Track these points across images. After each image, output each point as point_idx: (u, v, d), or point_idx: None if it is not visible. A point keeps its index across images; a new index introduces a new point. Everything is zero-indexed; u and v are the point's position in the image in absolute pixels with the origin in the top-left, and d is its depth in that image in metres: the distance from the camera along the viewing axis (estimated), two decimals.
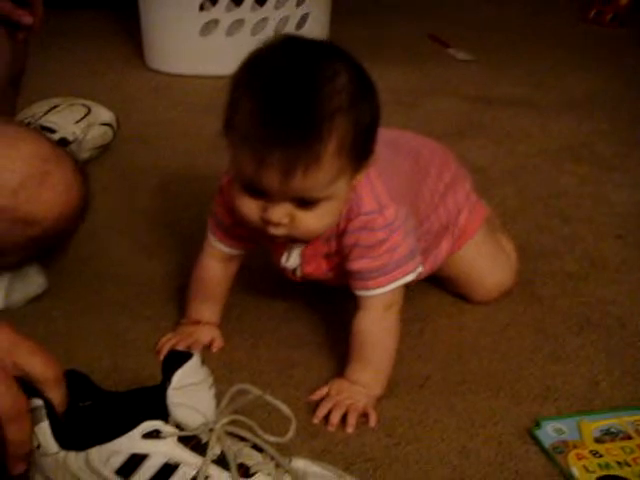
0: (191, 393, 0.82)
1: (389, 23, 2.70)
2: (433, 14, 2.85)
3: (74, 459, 0.82)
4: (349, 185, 0.97)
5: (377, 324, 1.03)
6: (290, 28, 2.17)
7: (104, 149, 1.66)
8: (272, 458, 0.84)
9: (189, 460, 0.81)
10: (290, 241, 1.03)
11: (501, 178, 1.66)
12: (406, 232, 1.02)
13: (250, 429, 0.85)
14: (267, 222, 0.96)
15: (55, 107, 1.61)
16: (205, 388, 0.83)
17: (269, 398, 0.86)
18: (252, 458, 0.83)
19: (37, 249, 1.16)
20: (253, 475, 0.82)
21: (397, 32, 2.62)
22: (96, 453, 0.81)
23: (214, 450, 0.82)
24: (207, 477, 0.81)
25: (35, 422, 0.82)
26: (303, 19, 2.21)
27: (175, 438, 0.81)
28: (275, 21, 2.15)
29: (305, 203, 0.94)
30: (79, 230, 1.19)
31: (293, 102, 0.90)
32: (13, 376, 0.81)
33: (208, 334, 1.13)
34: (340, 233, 1.02)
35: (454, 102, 2.05)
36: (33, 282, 1.22)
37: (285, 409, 0.86)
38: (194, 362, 0.83)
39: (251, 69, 0.93)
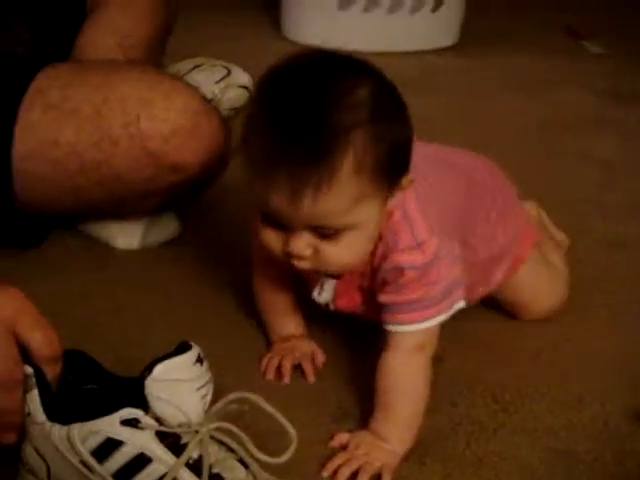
0: (174, 389, 0.78)
1: (526, 11, 2.68)
2: (573, 4, 2.81)
3: (57, 432, 0.80)
4: (379, 211, 0.87)
5: (406, 367, 0.92)
6: (425, 11, 2.19)
7: (238, 111, 1.71)
8: (254, 477, 0.80)
9: (162, 457, 0.78)
10: (323, 275, 0.95)
11: (624, 171, 1.65)
12: (449, 264, 0.92)
13: (240, 441, 0.81)
14: (289, 255, 0.87)
15: (198, 66, 1.68)
16: (191, 387, 0.79)
17: (271, 410, 0.81)
18: (233, 472, 0.80)
19: (177, 195, 1.23)
20: None
21: (532, 21, 2.58)
22: (77, 430, 0.79)
23: (192, 453, 0.78)
24: (176, 479, 0.78)
25: (26, 390, 0.81)
26: (439, 2, 2.22)
27: (153, 432, 0.78)
28: (411, 1, 2.18)
29: (326, 233, 0.85)
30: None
31: (303, 116, 0.81)
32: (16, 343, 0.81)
33: (309, 347, 1.05)
34: (375, 270, 0.93)
35: (581, 94, 2.02)
36: (168, 227, 1.29)
37: (288, 426, 0.81)
38: (184, 358, 0.79)
39: (268, 82, 0.86)
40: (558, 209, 1.30)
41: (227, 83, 1.66)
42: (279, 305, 1.06)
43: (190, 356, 0.79)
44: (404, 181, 0.88)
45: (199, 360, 0.80)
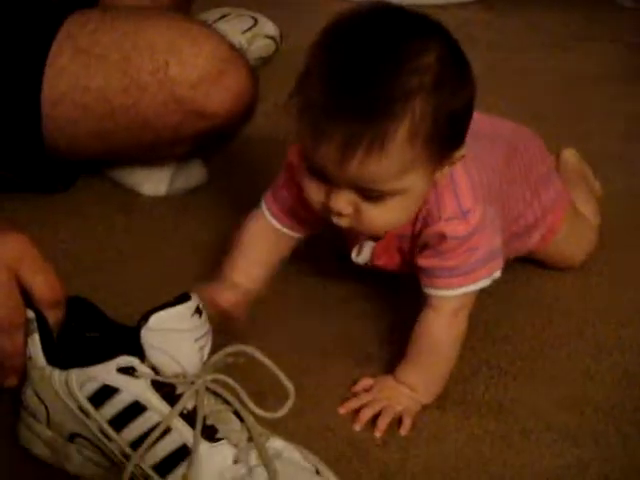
0: (170, 339, 0.78)
1: None
2: None
3: (57, 377, 0.81)
4: (427, 182, 0.85)
5: (445, 330, 0.92)
6: None
7: (265, 61, 1.72)
8: (249, 431, 0.79)
9: (157, 406, 0.78)
10: (359, 235, 0.94)
11: None
12: (491, 234, 0.91)
13: (236, 394, 0.80)
14: (329, 210, 0.85)
15: (225, 16, 1.68)
16: (189, 338, 0.78)
17: (268, 364, 0.80)
18: (227, 424, 0.79)
19: (204, 143, 1.24)
20: (218, 441, 0.78)
21: None
22: (75, 375, 0.80)
23: (186, 404, 0.78)
24: (170, 428, 0.78)
25: (28, 333, 0.82)
26: None
27: (149, 380, 0.78)
28: None
29: (370, 195, 0.83)
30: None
31: (368, 73, 0.79)
32: (18, 287, 0.82)
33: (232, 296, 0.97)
34: (416, 235, 0.92)
35: (613, 47, 2.00)
36: (195, 174, 1.30)
37: (285, 380, 0.80)
38: (182, 308, 0.78)
39: (334, 32, 0.83)
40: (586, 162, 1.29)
41: (254, 33, 1.67)
42: (262, 255, 1.01)
43: (188, 307, 0.78)
44: (456, 154, 0.86)
45: (198, 311, 0.79)
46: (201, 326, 0.79)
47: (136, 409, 0.78)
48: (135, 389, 0.78)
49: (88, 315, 0.86)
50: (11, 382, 0.86)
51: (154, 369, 0.78)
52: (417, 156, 0.81)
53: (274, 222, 1.00)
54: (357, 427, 0.91)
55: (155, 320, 0.77)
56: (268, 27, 1.70)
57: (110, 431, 0.79)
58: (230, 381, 0.80)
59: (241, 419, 0.80)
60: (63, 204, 1.24)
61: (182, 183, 1.28)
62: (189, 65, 1.14)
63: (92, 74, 1.14)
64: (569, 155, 1.21)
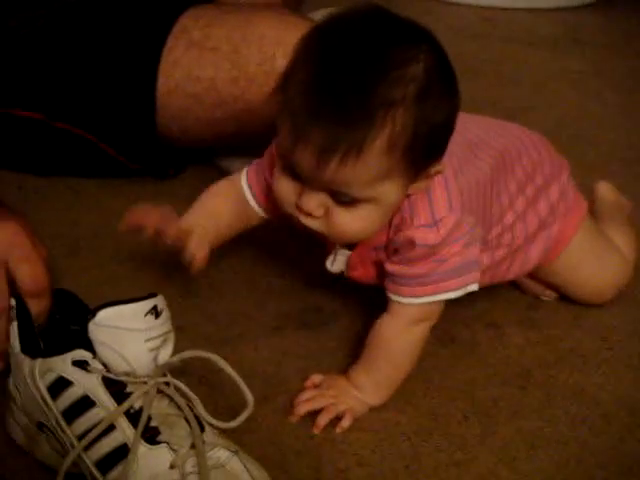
0: (118, 337, 0.77)
1: None
2: None
3: (27, 365, 0.82)
4: (400, 194, 0.83)
5: (400, 336, 0.91)
6: None
7: None
8: (194, 438, 0.78)
9: (105, 403, 0.78)
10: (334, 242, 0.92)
11: None
12: (466, 245, 0.87)
13: (189, 399, 0.80)
14: (299, 209, 0.84)
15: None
16: (138, 338, 0.78)
17: (232, 373, 0.80)
18: (173, 428, 0.78)
19: None
20: (158, 444, 0.77)
21: None
22: (38, 365, 0.81)
23: (134, 403, 0.78)
24: (114, 426, 0.77)
25: (10, 320, 0.84)
26: None
27: (100, 376, 0.78)
28: None
29: (342, 200, 0.82)
30: None
31: (352, 78, 0.77)
32: (5, 275, 0.84)
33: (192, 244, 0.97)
34: (387, 243, 0.90)
35: None
36: None
37: (246, 392, 0.80)
38: (132, 307, 0.78)
39: (322, 32, 0.81)
40: None
41: None
42: (229, 215, 1.00)
43: (141, 306, 0.78)
44: (433, 169, 0.84)
45: (154, 312, 0.78)
46: (157, 327, 0.79)
47: (85, 403, 0.79)
48: (86, 383, 0.79)
49: (72, 308, 0.87)
50: None
51: (106, 366, 0.79)
52: (393, 166, 0.80)
53: (248, 194, 0.99)
54: (292, 419, 0.91)
55: (102, 316, 0.77)
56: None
57: (63, 423, 0.80)
58: (182, 386, 0.80)
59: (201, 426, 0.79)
60: (171, 189, 1.30)
61: None
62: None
63: (203, 65, 1.21)
64: (605, 189, 1.16)
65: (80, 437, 0.79)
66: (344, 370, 0.95)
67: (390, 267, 0.89)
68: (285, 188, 0.85)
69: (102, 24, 1.27)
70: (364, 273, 0.95)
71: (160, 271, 1.12)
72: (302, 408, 0.92)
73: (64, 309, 0.87)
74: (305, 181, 0.82)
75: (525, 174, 0.98)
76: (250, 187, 1.00)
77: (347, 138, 0.77)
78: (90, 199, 1.28)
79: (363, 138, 0.77)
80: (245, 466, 0.78)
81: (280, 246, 1.18)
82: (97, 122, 1.26)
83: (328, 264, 0.96)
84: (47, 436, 0.83)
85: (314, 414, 0.92)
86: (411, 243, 0.86)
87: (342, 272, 0.96)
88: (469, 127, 0.92)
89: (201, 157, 1.37)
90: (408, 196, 0.86)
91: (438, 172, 0.85)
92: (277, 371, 0.99)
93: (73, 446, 0.79)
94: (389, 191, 0.82)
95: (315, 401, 0.92)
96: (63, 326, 0.86)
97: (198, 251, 0.97)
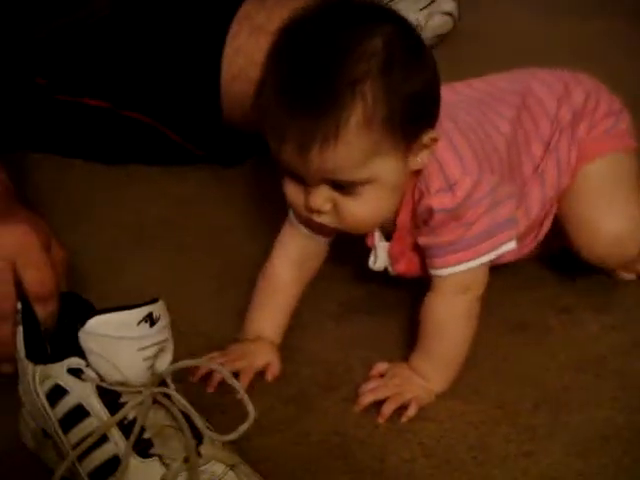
0: (109, 345, 0.75)
1: None
2: None
3: (30, 370, 0.81)
4: (399, 169, 0.83)
5: (445, 310, 0.90)
6: None
7: (441, 38, 1.72)
8: (188, 451, 0.75)
9: (99, 413, 0.76)
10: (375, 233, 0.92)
11: None
12: (491, 205, 0.87)
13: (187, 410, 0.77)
14: (309, 209, 0.85)
15: None
16: (130, 346, 0.75)
17: (236, 385, 0.78)
18: (166, 441, 0.76)
19: None
20: (150, 457, 0.75)
21: None
22: (39, 371, 0.79)
23: (128, 414, 0.75)
24: (107, 437, 0.75)
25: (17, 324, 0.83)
26: None
27: (94, 385, 0.76)
28: None
29: (342, 187, 0.82)
30: None
31: (313, 67, 0.78)
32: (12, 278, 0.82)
33: (264, 357, 0.95)
34: (414, 219, 0.90)
35: None
36: None
37: (248, 402, 0.76)
38: (124, 315, 0.75)
39: (287, 33, 0.83)
40: None
41: (431, 10, 1.68)
42: (271, 295, 0.98)
43: (133, 314, 0.75)
44: (425, 138, 0.83)
45: (148, 320, 0.76)
46: (151, 335, 0.76)
47: (80, 413, 0.77)
48: (80, 392, 0.77)
49: (81, 312, 0.83)
50: (7, 369, 0.87)
51: (99, 375, 0.77)
52: (378, 141, 0.80)
53: (304, 229, 0.96)
54: (357, 409, 0.90)
55: (92, 324, 0.75)
56: (445, 4, 1.70)
57: (59, 431, 0.79)
58: (178, 396, 0.77)
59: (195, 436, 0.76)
60: (234, 178, 1.29)
61: None
62: None
63: (265, 49, 1.19)
64: None
65: (74, 447, 0.77)
66: (408, 357, 0.94)
67: (420, 240, 0.89)
68: (293, 192, 0.85)
69: (167, 12, 1.27)
70: (408, 265, 0.94)
71: (222, 261, 1.12)
72: (367, 398, 0.91)
73: (73, 313, 0.84)
74: (304, 179, 0.83)
75: (551, 109, 0.96)
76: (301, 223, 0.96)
77: (320, 126, 0.77)
78: (154, 186, 1.28)
79: (336, 121, 0.77)
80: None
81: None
82: (163, 110, 1.26)
83: (370, 263, 0.95)
84: (53, 442, 0.82)
85: (379, 403, 0.91)
86: (430, 210, 0.86)
87: (386, 269, 0.95)
88: (476, 86, 0.93)
89: (266, 144, 1.35)
90: (418, 172, 0.86)
91: (434, 140, 0.84)
92: (341, 359, 0.97)
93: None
94: (385, 168, 0.82)
95: (380, 390, 0.91)
96: (70, 331, 0.82)
97: (271, 369, 0.95)
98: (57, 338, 0.82)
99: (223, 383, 0.88)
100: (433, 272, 0.90)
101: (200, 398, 0.84)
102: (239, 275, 1.07)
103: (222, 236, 1.17)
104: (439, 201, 0.86)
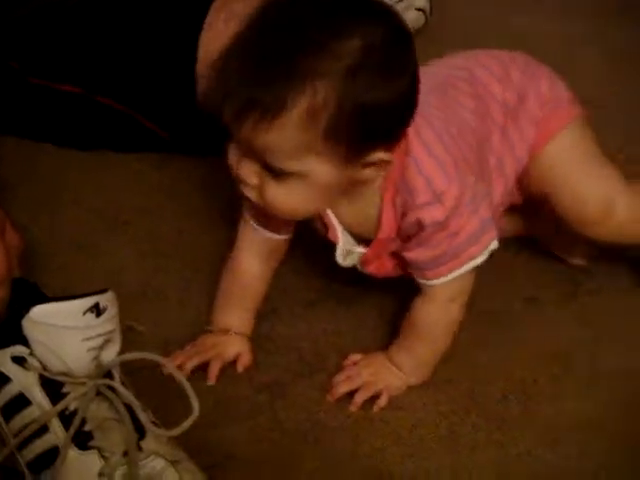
0: (55, 335, 0.74)
1: None
2: None
3: None
4: (335, 176, 0.80)
5: (438, 317, 0.90)
6: None
7: (414, 33, 1.72)
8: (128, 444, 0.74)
9: (40, 402, 0.75)
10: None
11: None
12: (474, 210, 0.85)
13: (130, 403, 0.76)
14: (238, 178, 0.83)
15: None
16: (75, 336, 0.74)
17: (177, 375, 0.77)
18: (106, 433, 0.75)
19: None
20: (88, 449, 0.74)
21: None
22: None
23: (69, 404, 0.74)
24: (47, 427, 0.75)
25: None
26: None
27: (37, 375, 0.75)
28: None
29: (272, 170, 0.80)
30: None
31: (282, 45, 0.76)
32: None
33: (234, 347, 0.95)
34: (399, 231, 0.87)
35: None
36: None
37: (192, 397, 0.75)
38: (69, 305, 0.74)
39: (265, 6, 0.80)
40: None
41: (406, 5, 1.68)
42: (237, 291, 0.97)
43: (79, 304, 0.74)
44: (374, 156, 0.79)
45: (95, 310, 0.75)
46: (97, 326, 0.75)
47: (21, 402, 0.76)
48: (23, 381, 0.76)
49: (30, 299, 0.82)
50: None
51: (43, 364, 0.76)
52: (316, 142, 0.77)
53: (264, 232, 0.95)
54: (331, 399, 0.91)
55: (36, 312, 0.74)
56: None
57: (1, 419, 0.78)
58: (122, 388, 0.76)
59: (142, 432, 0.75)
60: (211, 168, 1.29)
61: None
62: None
63: None
64: None
65: (16, 435, 0.76)
66: (383, 347, 0.94)
67: (408, 255, 0.88)
68: (232, 158, 0.83)
69: None
70: (378, 267, 0.93)
71: (202, 246, 1.11)
72: (341, 388, 0.91)
73: (22, 300, 0.82)
74: (240, 149, 0.81)
75: (499, 91, 0.95)
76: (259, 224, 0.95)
77: (264, 99, 0.75)
78: (129, 172, 1.27)
79: (279, 102, 0.75)
80: (181, 477, 0.74)
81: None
82: (138, 96, 1.25)
83: (339, 259, 0.93)
84: None
85: (352, 392, 0.91)
86: (420, 224, 0.84)
87: (355, 266, 0.94)
88: (429, 71, 0.90)
89: None
90: (363, 183, 0.83)
91: (385, 163, 0.80)
92: (315, 348, 0.97)
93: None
94: (318, 169, 0.79)
95: (353, 380, 0.91)
96: (17, 318, 0.80)
97: (241, 359, 0.95)
98: (4, 325, 0.81)
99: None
100: (424, 282, 0.89)
101: (150, 391, 0.82)
102: (215, 260, 1.06)
103: (197, 223, 1.17)
104: (429, 215, 0.83)
